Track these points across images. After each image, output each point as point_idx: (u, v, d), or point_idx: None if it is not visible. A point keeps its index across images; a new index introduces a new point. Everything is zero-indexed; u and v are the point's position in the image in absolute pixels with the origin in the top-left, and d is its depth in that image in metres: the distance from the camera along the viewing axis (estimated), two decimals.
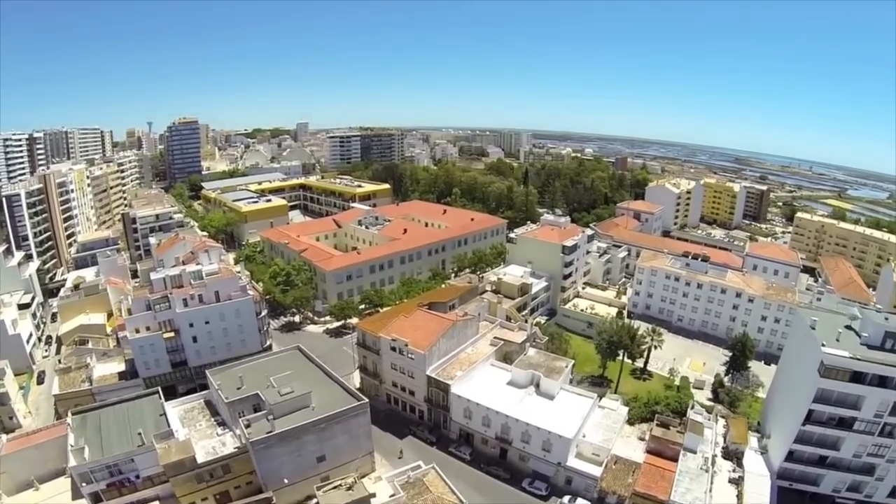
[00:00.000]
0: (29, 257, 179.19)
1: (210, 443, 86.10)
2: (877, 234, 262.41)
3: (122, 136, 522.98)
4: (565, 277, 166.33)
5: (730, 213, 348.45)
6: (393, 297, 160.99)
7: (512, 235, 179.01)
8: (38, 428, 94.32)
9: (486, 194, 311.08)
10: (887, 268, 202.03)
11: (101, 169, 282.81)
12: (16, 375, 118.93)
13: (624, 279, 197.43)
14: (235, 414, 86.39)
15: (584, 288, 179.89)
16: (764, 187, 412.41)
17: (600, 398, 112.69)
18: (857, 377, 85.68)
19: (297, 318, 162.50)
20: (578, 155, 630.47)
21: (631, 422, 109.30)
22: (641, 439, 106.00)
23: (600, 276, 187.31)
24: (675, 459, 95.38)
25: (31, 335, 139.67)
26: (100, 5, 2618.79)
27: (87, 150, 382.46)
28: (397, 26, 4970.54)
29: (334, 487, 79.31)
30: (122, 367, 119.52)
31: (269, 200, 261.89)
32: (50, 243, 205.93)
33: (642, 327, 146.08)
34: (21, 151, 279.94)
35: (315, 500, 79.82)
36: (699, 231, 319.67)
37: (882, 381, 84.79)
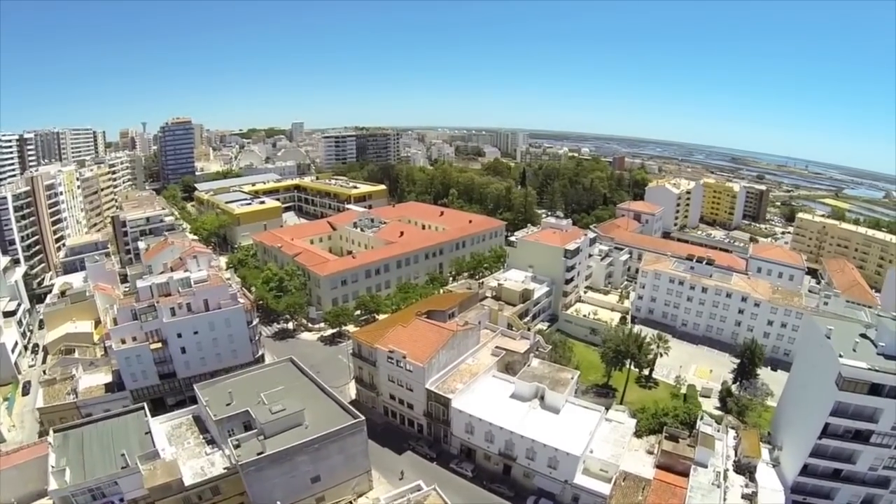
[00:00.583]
0: (16, 262, 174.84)
1: (198, 463, 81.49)
2: (879, 235, 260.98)
3: (116, 137, 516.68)
4: (567, 282, 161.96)
5: (729, 213, 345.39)
6: (389, 303, 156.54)
7: (512, 239, 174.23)
8: (20, 446, 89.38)
9: (484, 195, 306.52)
10: (892, 271, 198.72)
11: (91, 170, 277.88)
12: (0, 386, 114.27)
13: (626, 282, 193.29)
14: (224, 432, 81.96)
15: (585, 292, 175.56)
16: (763, 187, 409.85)
17: (606, 409, 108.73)
18: (875, 389, 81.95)
19: (290, 325, 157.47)
20: (576, 155, 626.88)
21: (638, 434, 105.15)
22: (650, 452, 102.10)
23: (602, 279, 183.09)
24: (685, 475, 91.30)
25: (16, 344, 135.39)
26: (98, 5, 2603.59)
27: (79, 151, 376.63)
28: (392, 26, 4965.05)
29: None
30: (108, 378, 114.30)
31: (262, 202, 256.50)
32: (38, 247, 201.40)
33: (647, 334, 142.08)
34: (11, 153, 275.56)
35: None
36: (699, 232, 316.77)
37: None
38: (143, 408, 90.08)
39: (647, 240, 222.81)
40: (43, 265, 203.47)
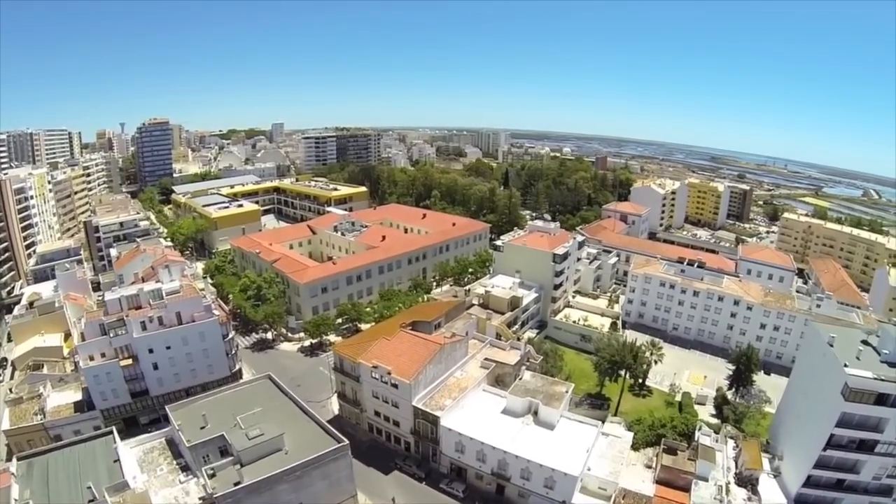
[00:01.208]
0: None
1: (171, 492, 75.23)
2: (864, 234, 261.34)
3: (93, 138, 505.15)
4: (556, 288, 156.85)
5: (714, 213, 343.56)
6: (372, 311, 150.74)
7: (498, 243, 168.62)
8: None
9: (467, 197, 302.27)
10: (881, 271, 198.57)
11: (64, 173, 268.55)
12: None
13: (614, 286, 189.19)
14: (199, 458, 75.93)
15: (574, 297, 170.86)
16: (747, 187, 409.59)
17: (601, 421, 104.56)
18: (881, 398, 79.74)
19: (269, 336, 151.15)
20: (558, 155, 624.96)
21: (635, 447, 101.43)
22: (648, 467, 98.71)
23: (591, 283, 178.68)
24: (686, 490, 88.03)
25: None
26: (76, 5, 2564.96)
27: (53, 153, 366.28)
28: (372, 25, 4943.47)
29: None
30: (78, 395, 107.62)
31: (240, 205, 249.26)
32: (7, 255, 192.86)
33: (639, 340, 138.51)
34: None
35: None
36: (684, 232, 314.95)
37: None
38: (111, 432, 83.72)
39: (635, 242, 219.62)
40: (12, 273, 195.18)
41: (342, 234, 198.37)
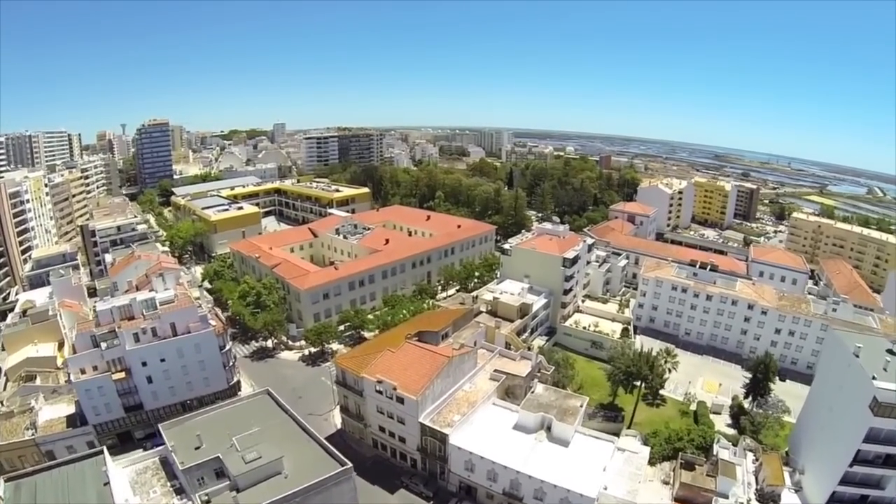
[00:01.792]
0: None
1: None
2: (875, 234, 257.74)
3: (94, 140, 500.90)
4: (566, 293, 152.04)
5: (721, 212, 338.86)
6: (376, 320, 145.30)
7: (506, 246, 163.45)
8: None
9: (472, 197, 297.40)
10: (894, 273, 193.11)
11: (62, 176, 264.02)
12: None
13: (624, 288, 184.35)
14: (194, 481, 71.51)
15: (583, 301, 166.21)
16: (753, 186, 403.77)
17: (616, 434, 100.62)
18: None
19: (269, 344, 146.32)
20: (562, 154, 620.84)
21: (652, 461, 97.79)
22: (666, 483, 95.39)
23: (600, 287, 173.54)
24: None
25: None
26: (78, 5, 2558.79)
27: (53, 155, 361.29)
28: (374, 25, 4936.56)
29: None
30: (71, 408, 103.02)
31: (240, 208, 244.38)
32: (2, 260, 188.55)
33: (652, 346, 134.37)
34: None
35: None
36: (692, 232, 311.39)
37: None
38: (101, 452, 79.04)
39: (644, 243, 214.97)
40: (8, 279, 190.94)
41: (344, 237, 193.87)
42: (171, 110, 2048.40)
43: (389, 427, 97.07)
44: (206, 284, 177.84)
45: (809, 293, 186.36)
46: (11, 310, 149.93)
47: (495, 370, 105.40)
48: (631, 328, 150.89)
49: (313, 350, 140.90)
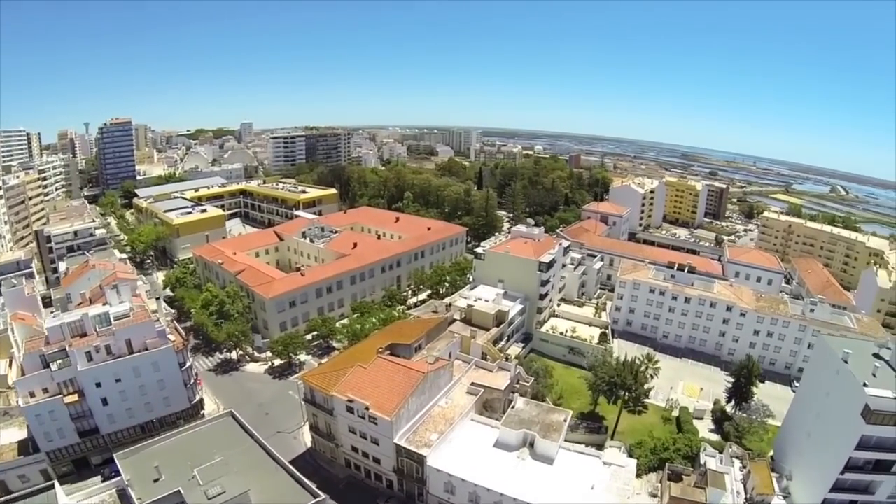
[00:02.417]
0: None
1: None
2: (844, 233, 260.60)
3: (55, 139, 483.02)
4: (542, 297, 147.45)
5: (692, 211, 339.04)
6: (345, 331, 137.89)
7: (479, 250, 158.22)
8: None
9: (441, 198, 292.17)
10: (868, 272, 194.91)
11: (17, 177, 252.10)
12: None
13: (600, 291, 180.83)
14: None
15: (559, 305, 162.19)
16: (723, 185, 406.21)
17: (600, 447, 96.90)
18: None
19: (234, 356, 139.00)
20: (531, 153, 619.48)
21: (638, 473, 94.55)
22: (654, 496, 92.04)
23: (576, 290, 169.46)
24: None
25: None
26: (43, 4, 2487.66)
27: (10, 155, 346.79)
28: (340, 24, 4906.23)
29: None
30: (24, 433, 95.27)
31: (204, 210, 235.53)
32: None
33: (630, 350, 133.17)
34: None
35: None
36: (664, 232, 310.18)
37: None
38: (52, 486, 72.03)
39: (618, 244, 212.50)
40: None
41: (311, 240, 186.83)
42: (138, 109, 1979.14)
43: (363, 447, 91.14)
44: (168, 292, 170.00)
45: (782, 292, 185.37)
46: None
47: (472, 383, 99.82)
48: (609, 332, 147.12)
49: (280, 362, 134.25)
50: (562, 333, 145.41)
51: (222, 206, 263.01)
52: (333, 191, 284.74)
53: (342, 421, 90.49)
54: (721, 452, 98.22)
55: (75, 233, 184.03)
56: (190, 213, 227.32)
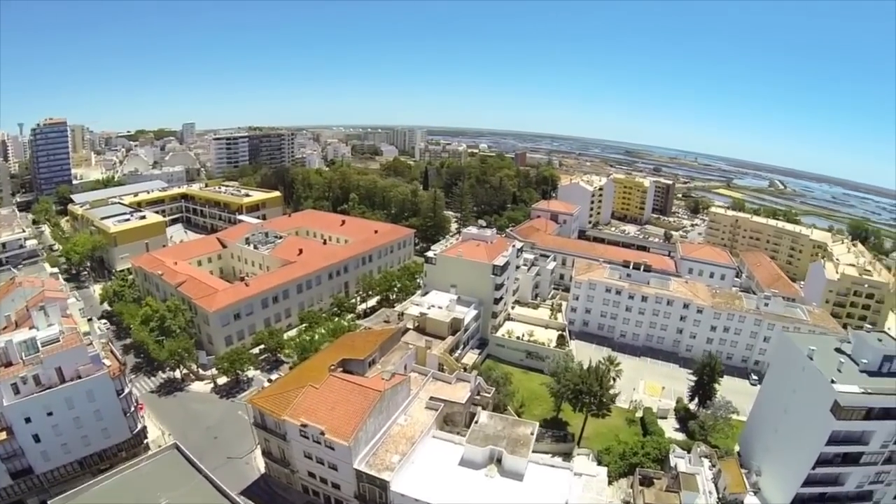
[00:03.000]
0: None
1: None
2: (789, 226, 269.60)
3: None
4: (496, 301, 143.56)
5: (640, 208, 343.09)
6: (294, 344, 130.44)
7: (430, 254, 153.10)
8: None
9: (388, 199, 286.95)
10: (816, 265, 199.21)
11: None
12: None
13: (553, 291, 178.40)
14: None
15: (513, 307, 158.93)
16: (669, 181, 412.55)
17: (568, 456, 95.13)
18: (868, 412, 78.50)
19: (177, 374, 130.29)
20: (476, 151, 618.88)
21: (609, 480, 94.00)
22: (626, 503, 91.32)
23: (530, 292, 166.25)
24: None
25: None
26: None
27: None
28: (282, 22, 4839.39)
29: None
30: None
31: (143, 217, 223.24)
32: None
33: (586, 350, 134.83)
34: None
35: None
36: (613, 229, 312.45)
37: (887, 412, 78.43)
38: None
39: (571, 243, 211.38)
40: None
41: (255, 247, 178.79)
42: (78, 109, 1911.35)
43: (321, 473, 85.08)
44: (106, 307, 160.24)
45: (735, 287, 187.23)
46: None
47: (431, 398, 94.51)
48: (567, 335, 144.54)
49: (227, 379, 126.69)
50: (518, 338, 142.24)
51: (163, 212, 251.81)
52: (277, 194, 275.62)
53: (297, 446, 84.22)
54: (689, 452, 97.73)
55: (3, 245, 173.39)
56: (128, 220, 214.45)
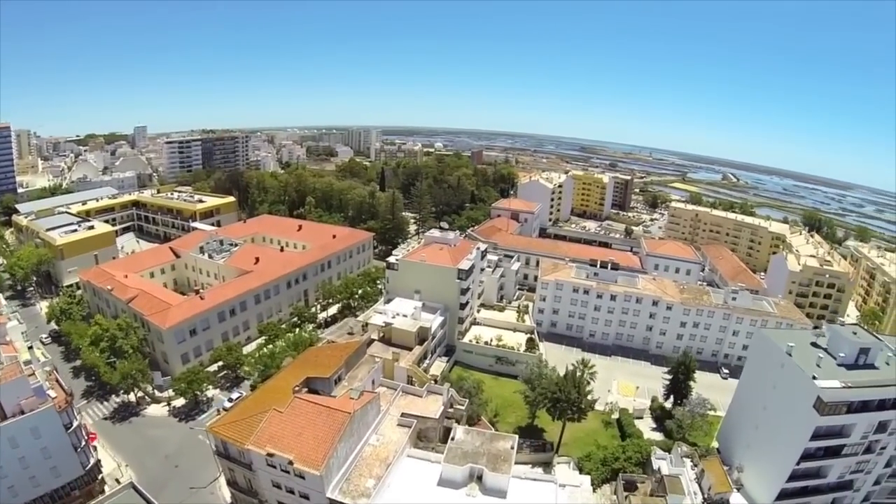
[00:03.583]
0: None
1: None
2: (748, 219, 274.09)
3: None
4: (462, 306, 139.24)
5: (600, 204, 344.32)
6: (255, 361, 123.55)
7: (392, 259, 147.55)
8: None
9: (345, 202, 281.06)
10: (778, 257, 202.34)
11: None
12: None
13: (518, 292, 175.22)
14: None
15: (479, 311, 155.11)
16: (627, 177, 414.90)
17: (548, 465, 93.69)
18: (849, 406, 78.68)
19: (132, 398, 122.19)
20: (432, 150, 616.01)
21: (592, 487, 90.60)
22: None
23: (495, 294, 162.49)
24: None
25: None
26: None
27: None
28: (233, 22, 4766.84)
29: None
30: None
31: (91, 227, 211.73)
32: None
33: (558, 353, 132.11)
34: None
35: None
36: (573, 225, 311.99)
37: (865, 405, 79.23)
38: None
39: (534, 242, 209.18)
40: None
41: (210, 256, 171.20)
42: (23, 113, 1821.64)
43: (291, 503, 78.81)
44: (54, 325, 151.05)
45: (700, 281, 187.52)
46: None
47: (403, 413, 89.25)
48: (536, 337, 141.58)
49: (185, 401, 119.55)
50: (487, 343, 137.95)
51: (113, 220, 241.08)
52: (232, 199, 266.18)
53: (264, 476, 77.64)
54: (669, 453, 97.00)
55: None
56: (76, 230, 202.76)
